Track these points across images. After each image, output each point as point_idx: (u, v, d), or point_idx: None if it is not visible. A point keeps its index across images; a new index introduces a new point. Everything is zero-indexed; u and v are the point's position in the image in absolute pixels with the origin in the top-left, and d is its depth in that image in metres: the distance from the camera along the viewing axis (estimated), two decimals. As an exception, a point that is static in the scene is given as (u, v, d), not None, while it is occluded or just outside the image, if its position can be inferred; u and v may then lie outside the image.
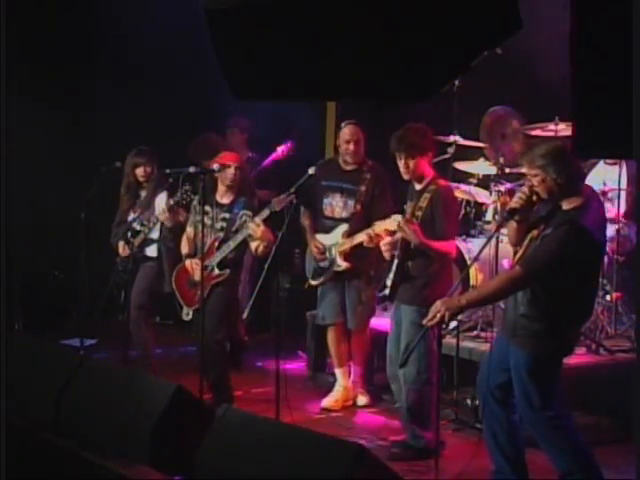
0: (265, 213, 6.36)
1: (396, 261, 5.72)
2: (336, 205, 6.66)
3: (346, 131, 6.63)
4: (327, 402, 6.82)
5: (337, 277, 6.66)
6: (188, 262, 6.63)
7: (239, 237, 6.45)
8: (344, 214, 6.63)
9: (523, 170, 4.83)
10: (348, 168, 6.68)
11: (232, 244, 6.48)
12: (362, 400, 6.87)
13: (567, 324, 4.73)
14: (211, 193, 6.60)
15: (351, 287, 6.68)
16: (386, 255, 5.80)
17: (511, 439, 4.87)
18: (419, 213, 5.69)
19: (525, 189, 4.73)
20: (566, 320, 4.71)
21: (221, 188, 6.61)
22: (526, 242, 4.74)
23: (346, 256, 6.53)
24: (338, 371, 6.93)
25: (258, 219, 6.35)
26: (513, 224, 4.81)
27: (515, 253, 4.84)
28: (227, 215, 6.56)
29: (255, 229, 6.33)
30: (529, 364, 4.68)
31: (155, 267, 7.23)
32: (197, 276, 6.40)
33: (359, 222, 6.50)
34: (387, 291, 5.82)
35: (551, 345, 4.69)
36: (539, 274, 4.60)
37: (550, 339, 4.68)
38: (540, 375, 4.69)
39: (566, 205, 4.64)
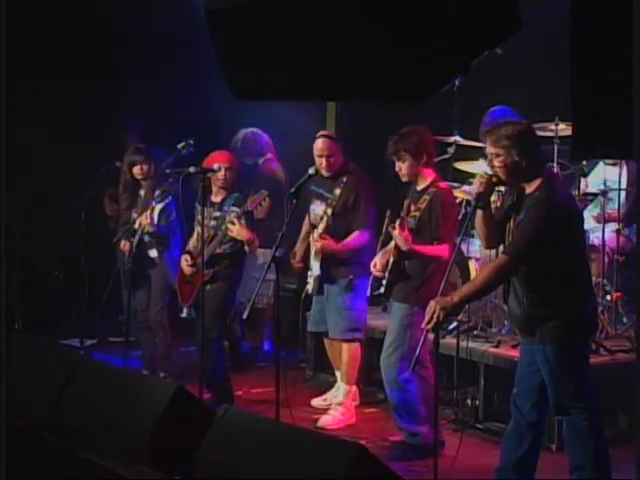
0: (239, 211, 6.41)
1: (392, 260, 5.71)
2: (317, 211, 6.54)
3: (316, 145, 6.45)
4: (323, 421, 6.51)
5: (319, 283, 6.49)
6: (182, 258, 6.76)
7: (219, 234, 6.52)
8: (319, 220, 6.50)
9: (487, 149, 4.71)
10: (327, 175, 6.49)
11: (215, 242, 6.54)
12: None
13: (575, 297, 4.66)
14: (208, 193, 6.66)
15: (329, 294, 6.49)
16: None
17: (535, 443, 4.78)
18: (417, 214, 5.69)
19: (482, 172, 4.69)
20: (571, 294, 4.64)
21: (214, 188, 6.71)
22: (507, 234, 4.73)
23: (321, 261, 6.38)
24: (340, 385, 6.67)
25: (233, 217, 6.39)
26: (479, 212, 4.75)
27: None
28: (218, 213, 6.64)
29: (231, 227, 6.42)
30: (556, 355, 4.57)
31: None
32: (186, 272, 6.65)
33: (330, 226, 6.37)
34: (382, 289, 5.82)
35: (568, 325, 4.60)
36: (524, 258, 4.56)
37: (564, 319, 4.59)
38: (570, 363, 4.59)
39: (529, 189, 4.62)
